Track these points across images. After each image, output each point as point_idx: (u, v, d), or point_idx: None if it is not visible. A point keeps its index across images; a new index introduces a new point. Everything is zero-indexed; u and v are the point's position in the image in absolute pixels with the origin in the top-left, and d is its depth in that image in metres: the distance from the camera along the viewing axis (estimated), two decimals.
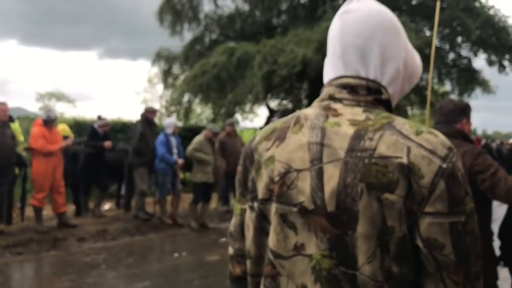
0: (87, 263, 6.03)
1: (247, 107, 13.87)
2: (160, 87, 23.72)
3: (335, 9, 13.63)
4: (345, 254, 0.90)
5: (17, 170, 7.48)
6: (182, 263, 6.11)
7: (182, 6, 16.16)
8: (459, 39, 15.17)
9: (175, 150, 8.04)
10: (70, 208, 8.18)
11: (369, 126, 0.94)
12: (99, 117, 8.65)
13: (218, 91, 13.50)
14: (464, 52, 15.77)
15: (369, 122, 0.94)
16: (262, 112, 32.58)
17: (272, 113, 12.81)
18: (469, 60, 15.76)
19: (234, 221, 1.14)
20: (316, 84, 14.52)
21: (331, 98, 1.03)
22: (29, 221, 7.42)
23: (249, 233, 1.05)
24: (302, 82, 14.62)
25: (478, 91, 15.92)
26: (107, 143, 8.07)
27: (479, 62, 36.21)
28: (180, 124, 8.48)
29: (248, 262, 1.06)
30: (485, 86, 15.78)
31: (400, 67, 1.03)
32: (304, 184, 0.95)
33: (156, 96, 29.06)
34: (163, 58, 16.80)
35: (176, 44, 16.61)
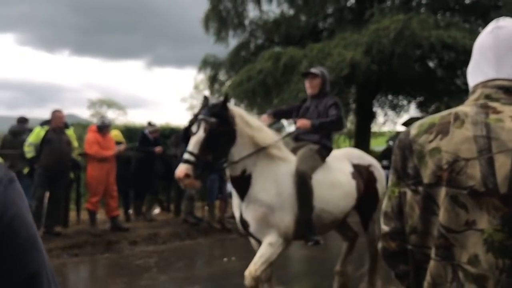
0: (139, 266, 6.14)
1: None
2: (206, 93, 24.06)
3: (383, 11, 13.33)
4: None
5: (72, 175, 7.77)
6: (231, 268, 6.10)
7: (227, 13, 16.32)
8: None
9: None
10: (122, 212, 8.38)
11: None
12: (149, 123, 8.85)
13: (263, 96, 13.47)
14: None
15: None
16: None
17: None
18: None
19: (389, 203, 1.34)
20: (364, 88, 14.24)
21: (488, 97, 1.23)
22: (84, 224, 7.67)
23: (414, 212, 1.25)
24: (349, 86, 14.37)
25: None
26: (158, 149, 8.22)
27: None
28: None
29: (413, 236, 1.26)
30: None
31: None
32: (474, 171, 1.14)
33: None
34: (209, 64, 17.01)
35: (222, 50, 16.79)
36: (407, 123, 13.95)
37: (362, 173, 4.23)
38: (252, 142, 3.61)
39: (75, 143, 7.45)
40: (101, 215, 7.87)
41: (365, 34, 12.29)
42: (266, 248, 3.58)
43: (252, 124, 3.66)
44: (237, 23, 16.39)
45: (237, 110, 3.70)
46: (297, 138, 4.18)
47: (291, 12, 16.37)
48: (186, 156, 3.33)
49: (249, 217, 3.64)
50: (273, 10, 16.82)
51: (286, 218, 3.63)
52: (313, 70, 4.25)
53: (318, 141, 4.06)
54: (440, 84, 14.20)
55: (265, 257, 3.55)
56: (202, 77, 21.13)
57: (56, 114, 7.12)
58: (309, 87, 4.20)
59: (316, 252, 6.66)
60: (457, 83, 14.40)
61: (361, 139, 15.78)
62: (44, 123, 7.17)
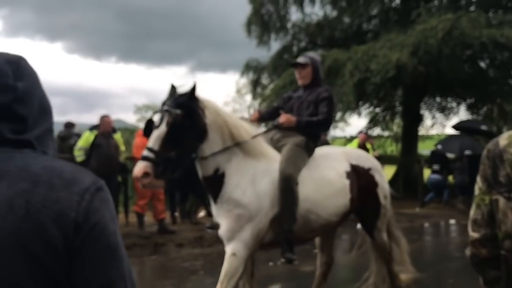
0: (186, 268, 6.21)
1: (338, 115, 13.58)
2: (248, 97, 24.19)
3: (430, 11, 12.94)
4: None
5: (120, 178, 7.97)
6: (277, 273, 6.06)
7: (269, 16, 16.35)
8: None
9: None
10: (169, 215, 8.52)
11: None
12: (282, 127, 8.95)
13: None
14: None
15: None
16: (353, 121, 31.72)
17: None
18: None
19: (478, 210, 1.38)
20: (411, 90, 13.86)
21: None
22: (132, 226, 7.85)
23: (508, 219, 1.29)
24: (396, 88, 14.03)
25: None
26: None
27: None
28: None
29: (507, 242, 1.30)
30: None
31: None
32: None
33: (244, 106, 29.70)
34: (252, 68, 17.08)
35: (264, 54, 16.82)
36: (458, 126, 13.45)
37: (360, 176, 3.79)
38: (227, 137, 3.25)
39: (122, 147, 7.65)
40: (148, 218, 8.03)
41: (412, 34, 11.97)
42: (230, 262, 3.18)
43: (226, 117, 3.31)
44: (279, 26, 16.39)
45: (209, 101, 3.30)
46: (280, 128, 3.73)
47: (334, 14, 16.20)
48: (145, 152, 3.03)
49: (221, 219, 3.26)
50: (316, 12, 16.80)
51: (262, 222, 3.25)
52: (301, 59, 3.80)
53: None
54: (492, 85, 13.61)
55: (230, 274, 3.16)
56: (244, 81, 21.29)
57: (104, 119, 7.34)
58: (300, 78, 3.79)
59: (364, 259, 6.52)
60: (511, 84, 13.76)
61: (408, 143, 15.37)
62: (93, 127, 7.42)
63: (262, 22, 16.26)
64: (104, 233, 0.92)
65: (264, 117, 3.99)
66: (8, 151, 0.94)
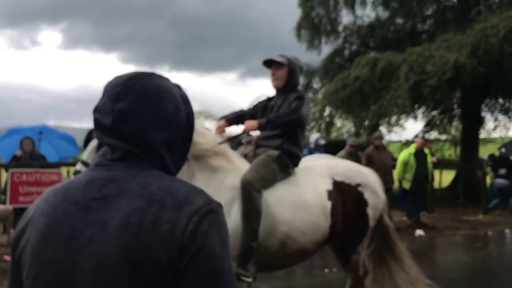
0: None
1: (393, 119, 13.25)
2: None
3: (490, 8, 12.37)
4: None
5: None
6: (333, 280, 5.96)
7: (319, 20, 16.24)
8: None
9: None
10: None
11: None
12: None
13: (360, 104, 13.13)
14: None
15: None
16: (409, 125, 30.83)
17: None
18: None
19: None
20: (470, 91, 13.29)
21: None
22: None
23: None
24: (454, 90, 13.49)
25: None
26: None
27: None
28: (323, 141, 8.36)
29: None
30: None
31: None
32: None
33: None
34: (303, 73, 17.02)
35: (315, 58, 16.73)
36: None
37: (345, 194, 3.29)
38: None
39: None
40: None
41: (471, 34, 11.49)
42: None
43: None
44: (330, 29, 16.25)
45: None
46: (258, 145, 3.42)
47: (386, 15, 15.86)
48: (78, 166, 2.78)
49: None
50: (367, 14, 16.48)
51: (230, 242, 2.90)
52: (278, 58, 3.36)
53: (279, 147, 3.26)
54: None
55: None
56: None
57: None
58: (274, 79, 3.37)
59: (423, 267, 6.31)
60: None
61: (468, 147, 14.72)
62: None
63: (312, 26, 16.18)
64: (209, 257, 0.90)
65: (231, 121, 3.53)
66: (133, 169, 0.98)
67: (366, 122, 13.40)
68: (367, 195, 3.38)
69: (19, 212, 7.20)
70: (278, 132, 3.30)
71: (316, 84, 17.11)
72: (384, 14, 15.98)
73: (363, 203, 3.37)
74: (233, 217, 2.87)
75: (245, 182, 2.94)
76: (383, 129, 13.56)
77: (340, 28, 16.41)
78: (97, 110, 1.02)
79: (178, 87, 1.08)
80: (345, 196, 3.28)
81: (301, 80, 17.15)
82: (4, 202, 7.25)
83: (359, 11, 16.15)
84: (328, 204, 3.19)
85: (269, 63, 3.36)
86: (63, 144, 9.40)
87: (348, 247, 3.41)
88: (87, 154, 2.76)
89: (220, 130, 3.34)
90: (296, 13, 16.53)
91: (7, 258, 5.62)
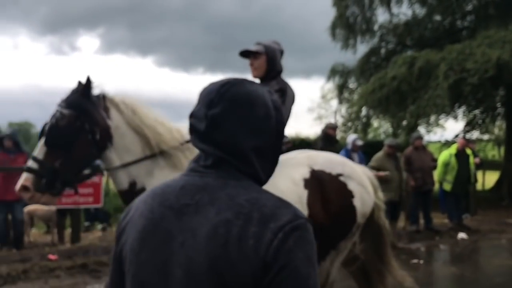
0: None
1: (432, 119, 12.91)
2: (334, 102, 23.88)
3: None
4: None
5: None
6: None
7: (355, 19, 16.06)
8: None
9: None
10: None
11: None
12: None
13: (398, 104, 12.86)
14: None
15: None
16: (449, 124, 30.01)
17: None
18: None
19: None
20: None
21: None
22: None
23: None
24: (496, 88, 13.01)
25: None
26: None
27: None
28: (360, 142, 8.21)
29: None
30: None
31: None
32: None
33: (330, 111, 29.37)
34: (338, 73, 16.86)
35: (350, 58, 16.55)
36: None
37: (325, 183, 2.98)
38: (144, 143, 2.67)
39: None
40: None
41: None
42: None
43: (144, 118, 2.69)
44: (365, 28, 16.04)
45: (121, 99, 2.71)
46: None
47: (424, 12, 15.49)
48: (29, 162, 2.54)
49: None
50: (404, 12, 16.19)
51: None
52: (254, 47, 3.12)
53: None
54: None
55: None
56: (330, 86, 21.07)
57: None
58: (253, 69, 3.13)
59: (466, 271, 6.10)
60: None
61: None
62: None
63: (347, 25, 16.01)
64: (293, 276, 0.88)
65: None
66: (224, 177, 0.99)
67: (404, 122, 13.13)
68: (352, 186, 3.06)
69: (61, 213, 7.46)
70: None
71: (352, 84, 16.91)
72: (421, 11, 15.63)
73: (348, 194, 3.04)
74: None
75: None
76: (421, 129, 13.25)
77: (376, 27, 16.18)
78: (192, 116, 1.06)
79: (270, 93, 1.08)
80: (324, 185, 2.97)
81: (336, 80, 17.02)
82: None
83: (395, 9, 15.88)
84: (305, 193, 2.90)
85: (247, 54, 3.09)
86: None
87: (328, 240, 2.92)
88: (38, 149, 2.56)
89: None
90: (330, 13, 16.44)
91: (52, 257, 5.81)
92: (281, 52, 3.18)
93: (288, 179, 2.90)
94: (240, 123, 1.00)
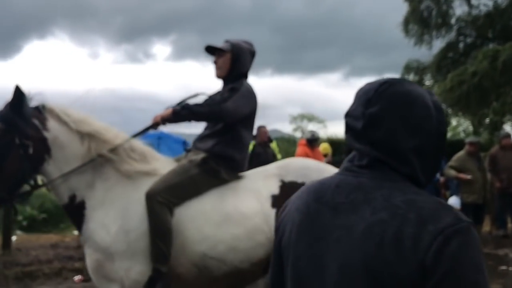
0: None
1: None
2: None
3: None
4: None
5: None
6: None
7: (429, 13, 15.38)
8: None
9: None
10: None
11: None
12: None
13: (479, 101, 12.11)
14: None
15: None
16: None
17: None
18: None
19: None
20: None
21: None
22: None
23: None
24: None
25: None
26: None
27: None
28: None
29: None
30: None
31: None
32: None
33: None
34: (413, 70, 16.24)
35: (424, 54, 15.83)
36: None
37: None
38: (85, 152, 2.53)
39: (279, 156, 7.96)
40: None
41: None
42: None
43: (86, 126, 2.55)
44: (441, 22, 15.32)
45: (60, 109, 2.55)
46: (196, 148, 2.86)
47: (507, 2, 14.47)
48: None
49: (87, 261, 2.57)
50: (484, 3, 15.18)
51: (135, 269, 2.47)
52: (219, 44, 2.85)
53: (209, 149, 2.72)
54: None
55: None
56: None
57: (260, 129, 7.75)
58: (216, 67, 2.84)
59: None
60: None
61: None
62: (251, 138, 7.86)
63: (421, 20, 15.38)
64: (458, 283, 0.84)
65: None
66: (379, 178, 0.98)
67: (487, 120, 12.35)
68: None
69: None
70: (213, 131, 2.80)
71: (428, 81, 16.17)
72: (503, 1, 14.62)
73: None
74: (135, 233, 2.49)
75: (148, 193, 2.50)
76: (507, 127, 12.39)
77: (453, 20, 15.38)
78: (348, 115, 1.06)
79: (430, 93, 1.06)
80: None
81: (411, 77, 16.36)
82: None
83: (474, 0, 14.98)
84: (272, 212, 2.61)
85: (212, 50, 2.84)
86: (179, 147, 10.07)
87: None
88: None
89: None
90: (402, 8, 15.85)
91: None
92: (252, 54, 2.91)
93: (253, 198, 2.66)
94: (399, 122, 0.99)
